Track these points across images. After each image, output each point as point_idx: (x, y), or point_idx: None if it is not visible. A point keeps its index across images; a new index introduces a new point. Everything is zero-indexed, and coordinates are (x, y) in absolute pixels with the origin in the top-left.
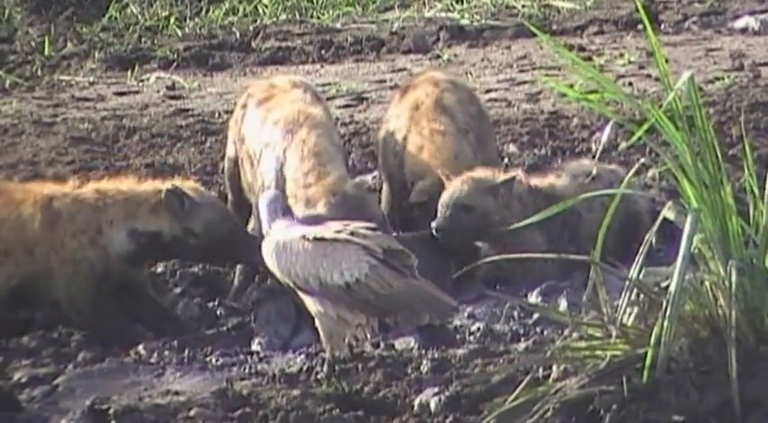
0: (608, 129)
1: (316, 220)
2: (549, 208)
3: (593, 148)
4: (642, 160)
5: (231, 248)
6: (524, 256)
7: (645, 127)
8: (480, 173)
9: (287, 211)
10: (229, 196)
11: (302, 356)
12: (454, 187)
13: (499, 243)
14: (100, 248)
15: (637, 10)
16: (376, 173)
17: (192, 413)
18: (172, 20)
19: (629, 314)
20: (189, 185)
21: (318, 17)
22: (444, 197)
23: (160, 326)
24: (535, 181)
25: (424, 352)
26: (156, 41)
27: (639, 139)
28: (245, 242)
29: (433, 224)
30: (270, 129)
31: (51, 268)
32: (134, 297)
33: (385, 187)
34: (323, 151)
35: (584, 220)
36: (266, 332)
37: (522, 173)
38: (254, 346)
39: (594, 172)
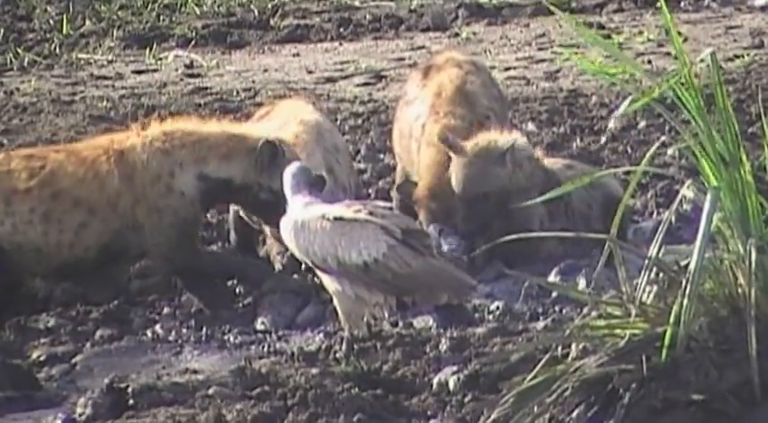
0: (624, 104)
1: (336, 198)
2: (549, 184)
3: (611, 124)
4: (662, 139)
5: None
6: (542, 234)
7: (651, 95)
8: (477, 147)
9: (309, 185)
10: None
11: (321, 335)
12: (463, 177)
13: (504, 219)
14: (178, 194)
15: None
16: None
17: (210, 391)
18: None
19: (649, 293)
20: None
21: None
22: (459, 191)
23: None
24: None
25: (442, 331)
26: (174, 19)
27: (659, 117)
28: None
29: (461, 229)
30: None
31: (137, 220)
32: None
33: (399, 166)
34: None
35: (572, 193)
36: (269, 312)
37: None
38: (258, 326)
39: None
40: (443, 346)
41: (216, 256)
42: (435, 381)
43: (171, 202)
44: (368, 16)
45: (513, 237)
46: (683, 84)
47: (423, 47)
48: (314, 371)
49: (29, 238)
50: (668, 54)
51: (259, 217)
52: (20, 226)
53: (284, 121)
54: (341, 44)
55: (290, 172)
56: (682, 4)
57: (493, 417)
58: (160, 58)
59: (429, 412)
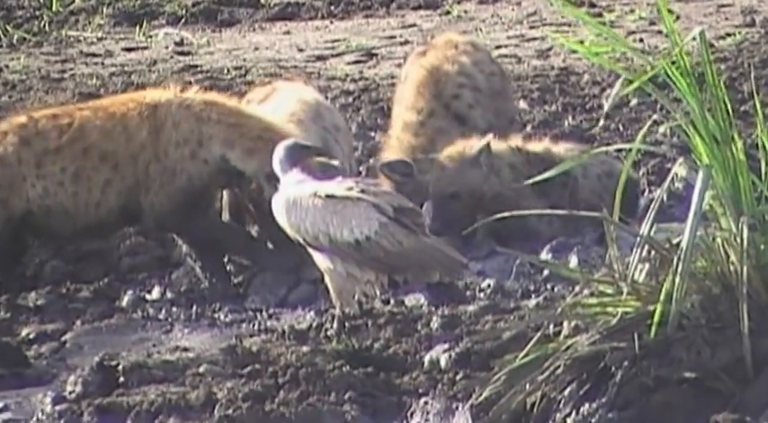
0: (618, 85)
1: (328, 174)
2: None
3: (604, 104)
4: (654, 117)
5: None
6: (536, 212)
7: (647, 76)
8: (453, 149)
9: (301, 162)
10: None
11: (311, 313)
12: (435, 177)
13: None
14: (201, 161)
15: None
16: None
17: (200, 369)
18: None
19: (641, 271)
20: None
21: None
22: (431, 190)
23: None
24: (530, 146)
25: (433, 308)
26: None
27: (650, 95)
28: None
29: (428, 225)
30: None
31: (150, 176)
32: None
33: None
34: None
35: (581, 185)
36: (260, 291)
37: (517, 139)
38: (250, 303)
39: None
40: (435, 323)
41: (212, 230)
42: (427, 358)
43: (189, 168)
44: None
45: (505, 214)
46: (673, 62)
47: (414, 25)
48: (305, 349)
49: (59, 199)
50: (660, 32)
51: (254, 210)
52: (51, 188)
53: (283, 102)
54: (332, 22)
55: (281, 149)
56: None
57: (484, 394)
58: (150, 36)
59: (420, 390)
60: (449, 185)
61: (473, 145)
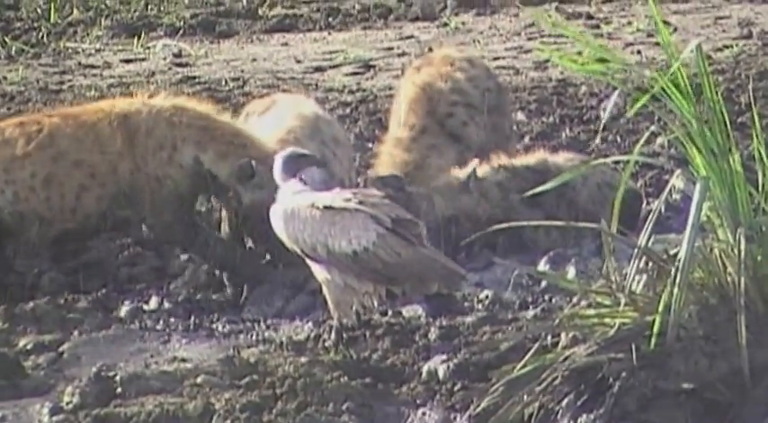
0: (613, 97)
1: (326, 185)
2: (540, 182)
3: (602, 115)
4: (651, 128)
5: (253, 232)
6: (534, 223)
7: (648, 95)
8: (442, 180)
9: (299, 173)
10: None
11: (309, 324)
12: (430, 206)
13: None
14: (177, 165)
15: None
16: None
17: (198, 380)
18: None
19: (638, 282)
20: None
21: None
22: (430, 219)
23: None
24: (520, 159)
25: (431, 320)
26: (162, 8)
27: (647, 107)
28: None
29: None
30: None
31: (136, 185)
32: None
33: None
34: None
35: (581, 194)
36: (258, 302)
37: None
38: (244, 315)
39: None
40: (433, 334)
41: (215, 242)
42: (425, 369)
43: (171, 172)
44: (356, 6)
45: (503, 225)
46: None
47: (411, 36)
48: (303, 360)
49: (31, 205)
50: (658, 44)
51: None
52: (21, 193)
53: (282, 116)
54: (329, 34)
55: (279, 159)
56: None
57: (482, 405)
58: (148, 48)
59: (418, 401)
60: (444, 211)
61: (460, 173)
